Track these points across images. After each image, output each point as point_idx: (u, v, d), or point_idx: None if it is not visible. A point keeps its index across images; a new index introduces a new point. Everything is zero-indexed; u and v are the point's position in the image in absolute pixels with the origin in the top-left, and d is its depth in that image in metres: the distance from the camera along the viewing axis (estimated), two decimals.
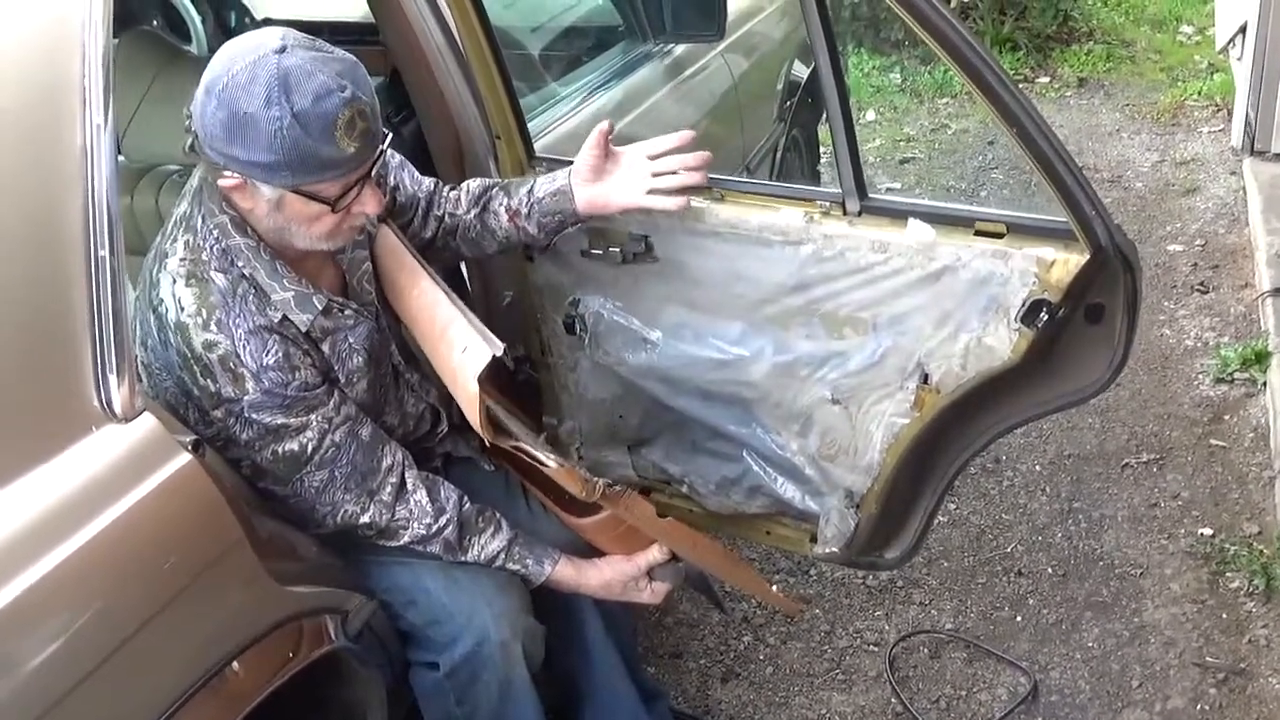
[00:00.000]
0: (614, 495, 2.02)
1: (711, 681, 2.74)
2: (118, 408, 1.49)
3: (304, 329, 1.83)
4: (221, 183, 1.70)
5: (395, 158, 2.10)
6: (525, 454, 1.98)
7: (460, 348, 1.90)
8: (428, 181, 2.15)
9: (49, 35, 1.59)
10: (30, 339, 1.49)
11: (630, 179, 2.09)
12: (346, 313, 1.91)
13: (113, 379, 1.49)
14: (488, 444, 1.97)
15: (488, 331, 1.90)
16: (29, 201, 1.51)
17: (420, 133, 2.61)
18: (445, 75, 2.41)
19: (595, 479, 2.00)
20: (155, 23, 3.30)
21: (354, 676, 1.89)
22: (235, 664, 1.58)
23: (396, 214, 2.08)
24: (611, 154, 2.10)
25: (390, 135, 1.78)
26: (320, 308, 1.85)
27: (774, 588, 2.44)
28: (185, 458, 1.53)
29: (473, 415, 1.90)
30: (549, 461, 1.97)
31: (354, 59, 1.70)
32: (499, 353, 1.85)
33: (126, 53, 2.51)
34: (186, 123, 1.69)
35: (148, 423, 1.52)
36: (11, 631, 1.34)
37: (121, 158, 2.44)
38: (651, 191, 2.08)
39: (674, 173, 2.08)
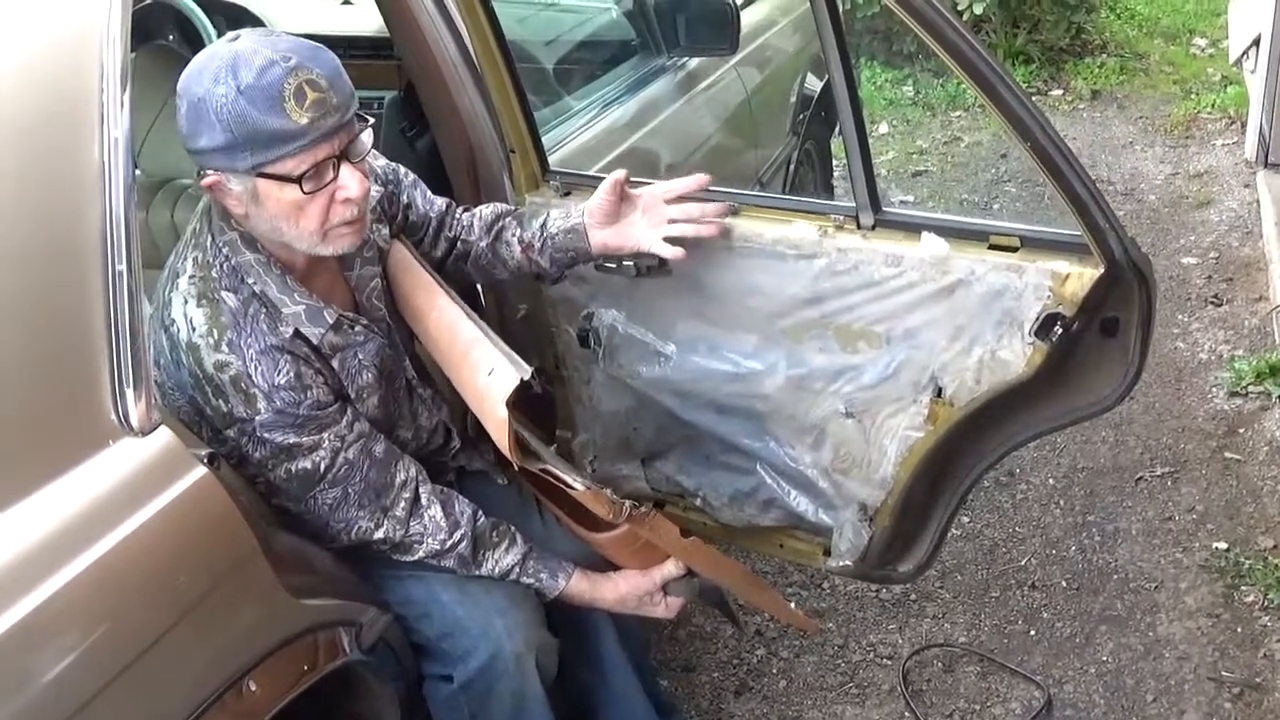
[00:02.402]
0: (640, 517, 1.99)
1: (725, 695, 2.74)
2: (134, 421, 1.49)
3: (315, 341, 1.83)
4: (204, 182, 1.71)
5: (409, 176, 2.10)
6: (552, 476, 1.97)
7: (486, 370, 1.89)
8: (440, 201, 2.15)
9: (67, 49, 1.60)
10: (48, 352, 1.49)
11: (646, 223, 2.09)
12: (356, 329, 1.91)
13: (129, 392, 1.50)
14: (516, 467, 1.95)
15: (513, 353, 1.89)
16: (47, 215, 1.52)
17: (434, 146, 2.62)
18: (460, 89, 2.41)
19: (622, 501, 1.97)
20: (171, 37, 3.30)
21: (368, 689, 1.89)
22: (249, 677, 1.58)
23: (408, 232, 2.08)
24: (627, 196, 2.09)
25: (371, 121, 1.77)
26: (331, 321, 1.85)
27: (792, 604, 2.43)
28: (201, 471, 1.53)
29: (501, 440, 1.88)
30: (576, 484, 1.95)
31: (314, 43, 1.69)
32: (527, 376, 1.84)
33: (143, 67, 2.52)
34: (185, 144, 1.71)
35: (164, 436, 1.52)
36: (30, 644, 1.34)
37: (137, 171, 2.46)
38: (667, 239, 2.08)
39: (693, 220, 2.08)
